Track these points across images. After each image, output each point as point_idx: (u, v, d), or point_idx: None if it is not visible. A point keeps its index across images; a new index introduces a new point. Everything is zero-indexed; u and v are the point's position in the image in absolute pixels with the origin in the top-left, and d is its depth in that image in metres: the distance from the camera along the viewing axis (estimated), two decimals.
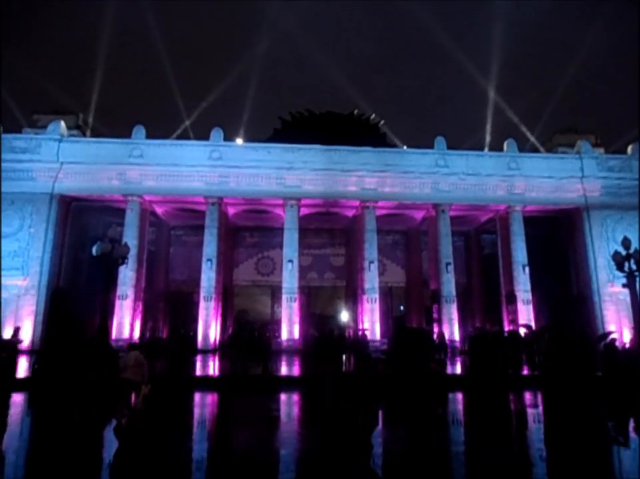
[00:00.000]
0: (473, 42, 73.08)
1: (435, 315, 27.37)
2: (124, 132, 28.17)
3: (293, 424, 10.49)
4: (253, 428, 9.67)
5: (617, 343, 17.65)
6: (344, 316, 30.37)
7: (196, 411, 11.95)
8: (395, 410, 11.72)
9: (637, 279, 16.05)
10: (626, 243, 16.11)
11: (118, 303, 24.73)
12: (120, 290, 24.83)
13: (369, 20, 74.91)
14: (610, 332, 18.38)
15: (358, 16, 75.11)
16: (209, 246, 26.24)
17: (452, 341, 24.88)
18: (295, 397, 13.82)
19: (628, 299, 16.93)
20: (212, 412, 12.09)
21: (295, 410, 12.50)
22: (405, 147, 32.50)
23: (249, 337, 21.68)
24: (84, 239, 27.04)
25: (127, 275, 24.89)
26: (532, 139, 39.94)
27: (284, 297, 26.10)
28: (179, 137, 35.15)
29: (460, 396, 13.59)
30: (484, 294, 31.82)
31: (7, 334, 22.79)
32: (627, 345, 19.27)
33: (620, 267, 16.20)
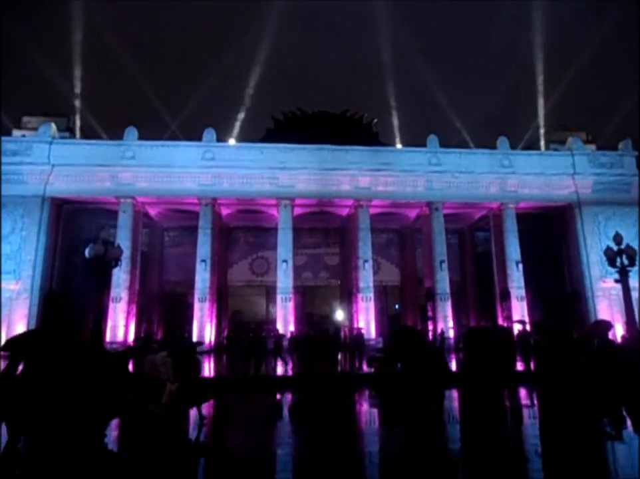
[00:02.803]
0: (467, 41, 73.38)
1: (430, 313, 27.46)
2: (116, 134, 28.06)
3: (286, 423, 10.51)
4: (252, 427, 9.68)
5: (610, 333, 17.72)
6: (339, 315, 30.40)
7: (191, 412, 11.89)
8: (391, 407, 11.75)
9: (629, 274, 16.19)
10: (617, 238, 16.23)
11: (111, 305, 24.60)
12: (113, 292, 24.71)
13: (364, 19, 74.92)
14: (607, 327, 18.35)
15: (353, 13, 75.12)
16: (203, 247, 26.16)
17: (447, 338, 24.95)
18: (293, 396, 13.82)
19: (620, 294, 17.04)
20: (212, 412, 12.04)
21: (290, 410, 12.50)
22: (399, 146, 32.60)
23: (245, 338, 21.66)
24: (76, 242, 26.83)
25: (120, 277, 24.75)
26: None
27: (279, 297, 26.08)
28: (172, 138, 35.03)
29: (454, 393, 13.62)
30: (478, 291, 31.96)
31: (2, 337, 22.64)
32: (619, 341, 19.38)
33: (612, 263, 16.31)
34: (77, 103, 43.58)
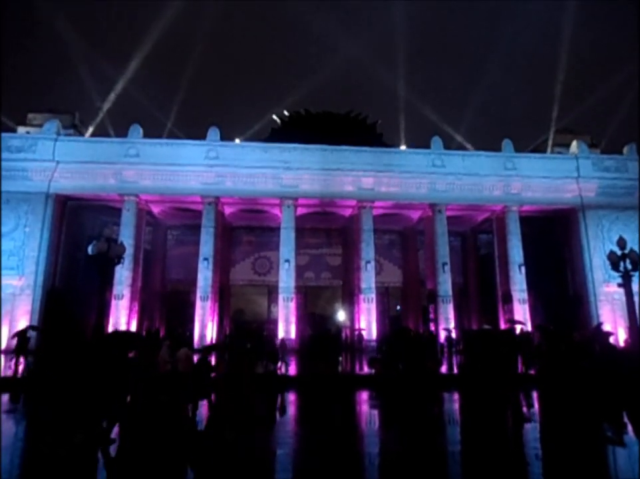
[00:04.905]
0: (473, 43, 73.30)
1: (432, 315, 27.41)
2: (120, 131, 28.10)
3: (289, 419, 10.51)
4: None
5: (612, 339, 17.69)
6: (341, 316, 30.38)
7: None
8: (391, 408, 11.74)
9: (632, 278, 16.12)
10: (621, 242, 16.15)
11: (114, 302, 24.65)
12: (116, 289, 24.76)
13: (370, 22, 74.99)
14: (609, 333, 18.31)
15: (358, 15, 75.18)
16: (206, 246, 26.18)
17: (448, 340, 24.88)
18: (294, 395, 13.82)
19: (623, 298, 16.97)
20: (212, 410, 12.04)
21: (294, 407, 12.51)
22: (403, 147, 32.56)
23: (256, 339, 21.47)
24: (80, 239, 26.93)
25: (123, 275, 24.81)
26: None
27: (280, 296, 26.06)
28: (176, 137, 35.11)
29: (455, 395, 13.61)
30: (481, 294, 31.88)
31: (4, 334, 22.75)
32: (622, 345, 19.33)
33: (615, 267, 16.23)
34: (83, 100, 43.65)
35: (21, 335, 18.18)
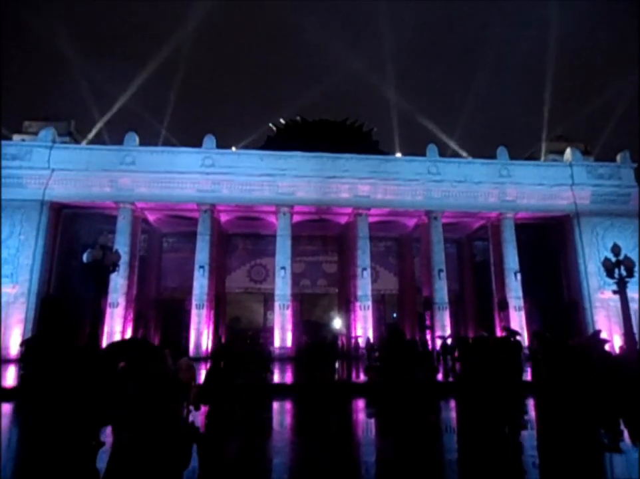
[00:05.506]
0: (469, 50, 74.01)
1: (428, 322, 27.39)
2: (116, 139, 28.07)
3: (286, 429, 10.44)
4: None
5: (607, 346, 17.69)
6: (337, 323, 30.32)
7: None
8: (387, 417, 11.69)
9: (628, 285, 16.20)
10: (615, 249, 16.26)
11: (108, 310, 24.50)
12: (111, 297, 24.62)
13: (363, 26, 75.60)
14: (604, 340, 18.31)
15: (354, 24, 75.81)
16: (202, 253, 26.13)
17: (444, 348, 24.82)
18: (290, 404, 13.75)
19: (618, 305, 17.05)
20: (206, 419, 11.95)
21: (289, 417, 12.44)
22: (399, 154, 32.70)
23: (245, 346, 21.43)
24: (75, 247, 26.81)
25: (118, 283, 24.69)
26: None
27: (277, 304, 26.01)
28: (172, 144, 35.09)
29: (451, 403, 13.57)
30: (477, 301, 31.93)
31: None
32: (617, 351, 19.34)
33: (610, 274, 16.33)
34: (78, 108, 43.67)
35: (27, 344, 17.95)
